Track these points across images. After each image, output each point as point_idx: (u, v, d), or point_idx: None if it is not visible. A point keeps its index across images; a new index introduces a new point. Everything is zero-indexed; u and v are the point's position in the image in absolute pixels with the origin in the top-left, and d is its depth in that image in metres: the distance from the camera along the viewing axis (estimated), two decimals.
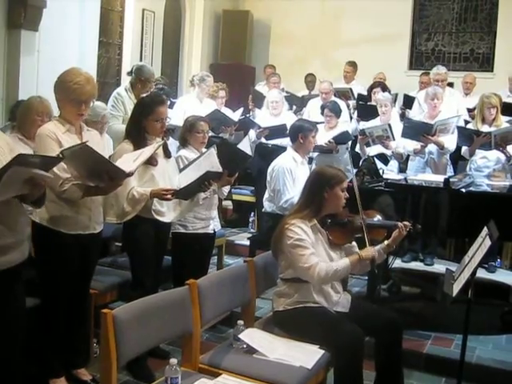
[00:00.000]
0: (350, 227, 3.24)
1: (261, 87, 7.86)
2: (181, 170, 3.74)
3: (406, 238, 3.37)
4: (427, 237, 5.37)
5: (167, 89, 6.28)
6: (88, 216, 3.16)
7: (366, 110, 6.46)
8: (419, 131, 5.27)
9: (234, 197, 6.77)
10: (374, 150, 5.60)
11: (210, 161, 3.66)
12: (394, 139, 5.50)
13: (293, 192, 4.47)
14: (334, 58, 8.78)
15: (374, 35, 8.79)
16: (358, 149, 5.89)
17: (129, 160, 3.12)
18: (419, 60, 9.26)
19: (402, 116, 6.53)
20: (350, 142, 6.09)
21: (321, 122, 5.80)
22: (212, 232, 4.21)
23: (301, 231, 3.05)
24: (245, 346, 2.89)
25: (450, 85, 7.00)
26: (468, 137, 5.20)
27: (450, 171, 5.57)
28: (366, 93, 7.12)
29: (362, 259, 3.09)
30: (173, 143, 4.92)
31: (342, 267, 3.03)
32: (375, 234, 3.28)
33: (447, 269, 3.28)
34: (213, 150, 3.70)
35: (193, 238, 4.02)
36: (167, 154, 3.66)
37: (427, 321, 4.44)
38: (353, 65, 8.04)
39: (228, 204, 7.16)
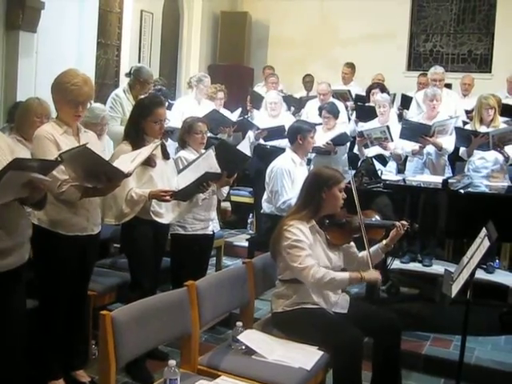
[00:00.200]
0: (348, 227, 3.24)
1: (259, 88, 7.87)
2: (179, 172, 3.74)
3: (403, 238, 3.38)
4: (426, 238, 5.38)
5: (165, 90, 6.28)
6: (86, 217, 3.16)
7: (365, 111, 6.47)
8: (417, 132, 5.27)
9: (233, 198, 6.77)
10: (372, 151, 5.60)
11: (209, 162, 3.66)
12: (392, 140, 5.51)
13: (291, 193, 4.47)
14: (333, 59, 8.78)
15: (372, 36, 8.81)
16: (356, 150, 5.90)
17: (126, 161, 3.12)
18: (417, 61, 9.27)
19: (400, 116, 6.54)
20: (348, 143, 6.10)
21: (319, 124, 5.80)
22: (211, 233, 4.22)
23: (299, 232, 3.05)
24: (244, 347, 2.89)
25: (448, 86, 7.01)
26: (466, 137, 5.21)
27: (448, 172, 5.58)
28: (364, 94, 7.12)
29: (363, 280, 3.05)
30: (171, 145, 4.92)
31: (340, 279, 3.01)
32: (373, 234, 3.29)
33: (446, 270, 3.29)
34: (211, 151, 3.71)
35: (192, 239, 4.02)
36: (165, 156, 3.66)
37: (426, 322, 4.45)
38: (351, 66, 8.05)
39: (227, 205, 7.15)
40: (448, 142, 5.35)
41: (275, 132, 5.97)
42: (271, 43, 9.80)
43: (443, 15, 9.10)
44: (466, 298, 2.81)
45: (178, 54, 9.06)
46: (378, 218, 3.40)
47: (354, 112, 6.82)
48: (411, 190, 4.50)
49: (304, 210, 3.15)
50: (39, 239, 2.98)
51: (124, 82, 5.68)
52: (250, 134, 6.18)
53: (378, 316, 3.12)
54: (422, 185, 4.64)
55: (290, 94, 7.83)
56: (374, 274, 3.05)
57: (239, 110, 6.71)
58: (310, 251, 3.03)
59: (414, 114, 6.39)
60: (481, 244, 2.83)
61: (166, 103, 4.72)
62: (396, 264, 5.21)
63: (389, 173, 5.31)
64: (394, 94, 7.43)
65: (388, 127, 5.50)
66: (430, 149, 5.46)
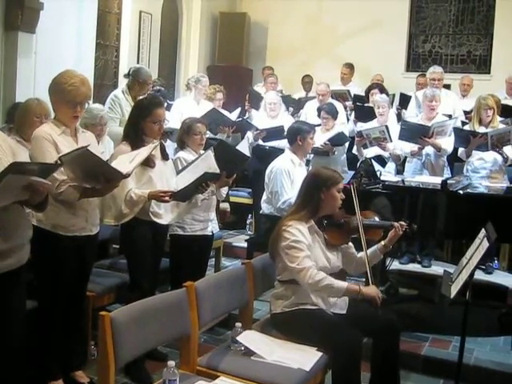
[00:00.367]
0: (346, 228, 3.25)
1: (259, 88, 7.87)
2: (178, 173, 3.74)
3: (402, 238, 3.38)
4: (425, 238, 5.38)
5: (164, 91, 6.28)
6: (85, 218, 3.16)
7: (364, 111, 6.47)
8: (416, 133, 5.27)
9: (232, 199, 6.76)
10: (371, 152, 5.60)
11: (208, 163, 3.66)
12: (391, 141, 5.51)
13: (290, 193, 4.47)
14: (331, 59, 8.78)
15: (371, 37, 8.81)
16: (355, 150, 5.90)
17: (125, 161, 3.12)
18: (416, 62, 9.28)
19: (399, 116, 6.54)
20: (346, 144, 6.10)
21: (318, 125, 5.80)
22: (210, 234, 4.22)
23: (298, 232, 3.05)
24: (243, 348, 2.89)
25: (447, 87, 7.01)
26: (464, 138, 5.21)
27: (447, 173, 5.58)
28: (363, 94, 7.12)
29: (360, 293, 3.01)
30: (170, 145, 4.92)
31: (337, 287, 3.00)
32: (371, 235, 3.30)
33: (445, 270, 3.30)
34: (210, 152, 3.70)
35: (191, 240, 4.02)
36: (165, 156, 3.66)
37: (425, 322, 4.45)
38: (350, 66, 8.05)
39: (226, 206, 7.14)
40: (447, 142, 5.35)
41: (274, 133, 5.97)
42: (270, 44, 9.80)
43: (442, 16, 9.11)
44: (464, 299, 2.81)
45: (176, 55, 9.06)
46: (376, 219, 3.40)
47: (353, 112, 6.82)
48: (410, 190, 4.49)
49: (303, 210, 3.15)
50: (38, 240, 2.98)
51: (123, 82, 5.68)
52: (249, 135, 6.18)
53: (377, 317, 3.12)
54: (421, 186, 4.64)
55: (289, 95, 7.83)
56: (372, 290, 3.03)
57: (239, 109, 6.71)
58: (308, 252, 3.03)
59: (412, 113, 6.40)
60: (480, 245, 2.84)
61: (165, 104, 4.72)
62: (395, 265, 5.21)
63: (388, 173, 5.31)
64: (393, 95, 7.44)
65: (387, 127, 5.50)
66: (428, 150, 5.46)
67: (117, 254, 4.60)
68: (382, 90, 6.70)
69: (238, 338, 2.89)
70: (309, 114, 6.67)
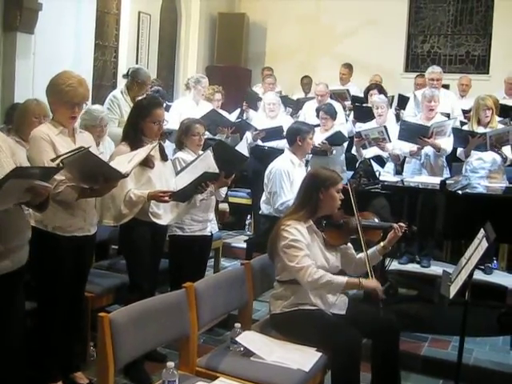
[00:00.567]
0: (345, 228, 3.24)
1: (257, 89, 7.88)
2: (177, 173, 3.74)
3: (401, 240, 3.38)
4: (424, 239, 5.37)
5: (162, 91, 6.27)
6: (83, 218, 3.16)
7: (362, 111, 6.47)
8: (416, 133, 5.27)
9: (231, 199, 6.76)
10: (370, 152, 5.60)
11: (207, 163, 3.65)
12: (390, 141, 5.51)
13: (289, 195, 4.46)
14: (330, 59, 8.79)
15: (370, 37, 8.81)
16: (354, 151, 5.89)
17: (124, 161, 3.12)
18: (415, 62, 9.29)
19: (397, 116, 6.54)
20: (345, 144, 6.10)
21: (317, 125, 5.80)
22: (209, 234, 4.21)
23: (296, 232, 3.05)
24: (242, 348, 2.88)
25: (446, 87, 7.02)
26: (463, 138, 5.22)
27: (446, 173, 5.58)
28: (361, 95, 7.12)
29: (360, 286, 3.02)
30: (169, 146, 4.91)
31: (337, 282, 2.99)
32: (370, 236, 3.30)
33: (444, 271, 3.29)
34: (209, 152, 3.70)
35: (190, 241, 4.02)
36: (164, 157, 3.66)
37: (424, 323, 4.45)
38: (348, 67, 8.06)
39: (225, 207, 7.15)
40: (446, 142, 5.35)
41: (273, 133, 5.96)
42: (269, 44, 9.81)
43: (441, 16, 9.12)
44: (464, 299, 2.81)
45: (175, 56, 9.06)
46: (375, 220, 3.40)
47: (352, 112, 6.82)
48: (409, 191, 4.49)
49: (301, 210, 3.15)
50: (37, 240, 2.98)
51: (122, 83, 5.68)
52: (248, 135, 6.18)
53: (377, 317, 3.12)
54: (420, 186, 4.64)
55: (286, 95, 7.83)
56: (372, 283, 3.02)
57: (238, 110, 6.70)
58: (307, 251, 3.03)
59: (410, 113, 6.40)
60: (479, 245, 2.84)
61: (164, 104, 4.71)
62: (394, 265, 5.21)
63: (387, 174, 5.30)
64: (392, 96, 7.43)
65: (386, 127, 5.49)
66: (428, 150, 5.46)
67: (116, 255, 4.61)
68: (381, 91, 6.70)
69: (238, 339, 2.89)
70: (308, 114, 6.67)
